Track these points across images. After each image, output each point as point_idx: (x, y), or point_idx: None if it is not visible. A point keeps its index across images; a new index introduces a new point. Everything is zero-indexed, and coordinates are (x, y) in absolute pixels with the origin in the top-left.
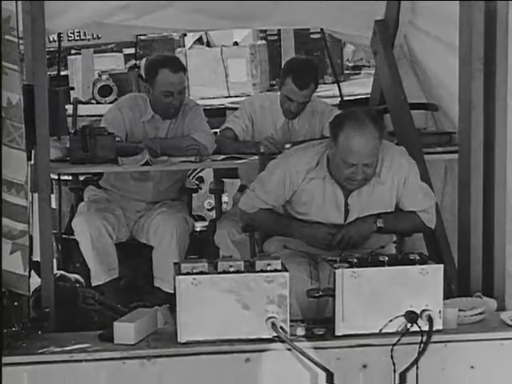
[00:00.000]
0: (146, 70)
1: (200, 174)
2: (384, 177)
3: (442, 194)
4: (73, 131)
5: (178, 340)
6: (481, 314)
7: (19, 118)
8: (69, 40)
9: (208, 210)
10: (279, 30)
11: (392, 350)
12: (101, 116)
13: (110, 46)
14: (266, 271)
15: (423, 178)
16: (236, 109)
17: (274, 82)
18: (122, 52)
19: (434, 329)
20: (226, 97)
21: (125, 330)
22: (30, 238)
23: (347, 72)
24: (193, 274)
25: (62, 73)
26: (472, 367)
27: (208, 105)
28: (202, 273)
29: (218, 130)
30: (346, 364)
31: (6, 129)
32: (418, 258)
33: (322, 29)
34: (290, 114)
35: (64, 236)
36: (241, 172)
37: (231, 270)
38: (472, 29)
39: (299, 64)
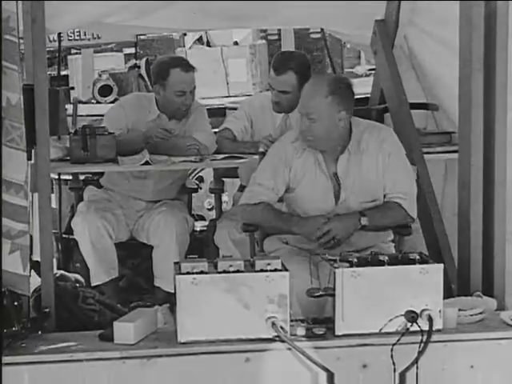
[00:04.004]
0: (155, 72)
1: (200, 174)
2: (370, 148)
3: (442, 194)
4: (73, 131)
5: (178, 340)
6: (481, 313)
7: (18, 118)
8: (69, 40)
9: (208, 209)
10: (279, 30)
11: (392, 349)
12: (101, 116)
13: (110, 46)
14: (266, 271)
15: (423, 178)
16: (236, 108)
17: None
18: (122, 52)
19: (433, 328)
20: (226, 96)
21: (125, 330)
22: (30, 237)
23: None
24: (193, 273)
25: (62, 72)
26: (472, 367)
27: (208, 104)
28: (202, 272)
29: (217, 130)
30: (346, 364)
31: (5, 129)
32: (418, 257)
33: (322, 28)
34: (275, 106)
35: (64, 236)
36: (241, 172)
37: (231, 269)
38: (472, 29)
39: (282, 53)
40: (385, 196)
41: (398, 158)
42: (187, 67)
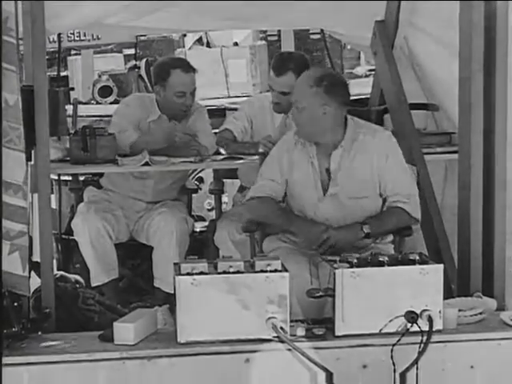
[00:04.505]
0: (156, 72)
1: (200, 175)
2: (364, 148)
3: (442, 194)
4: (73, 131)
5: (178, 340)
6: (481, 313)
7: (16, 119)
8: (69, 41)
9: (208, 210)
10: (279, 31)
11: (392, 350)
12: (101, 116)
13: (109, 47)
14: (266, 271)
15: (423, 179)
16: (236, 109)
17: None
18: (121, 52)
19: (433, 329)
20: (226, 97)
21: (125, 331)
22: (30, 238)
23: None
24: (193, 274)
25: (62, 73)
26: (472, 367)
27: (208, 105)
28: (201, 273)
29: (217, 131)
30: (346, 364)
31: (4, 129)
32: (417, 258)
33: (321, 29)
34: (275, 106)
35: (64, 236)
36: (241, 173)
37: (231, 270)
38: (472, 29)
39: (281, 54)
40: (385, 199)
41: (395, 160)
42: (187, 68)
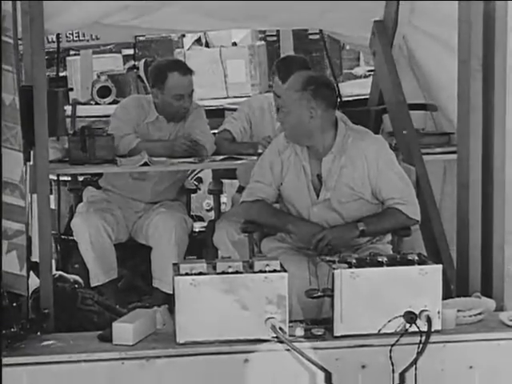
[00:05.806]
0: (153, 75)
1: (199, 175)
2: (354, 154)
3: (440, 195)
4: (72, 132)
5: (177, 341)
6: (479, 314)
7: (12, 119)
8: (67, 41)
9: (207, 210)
10: (278, 31)
11: (391, 350)
12: (100, 117)
13: (108, 47)
14: (265, 272)
15: (422, 179)
16: (235, 109)
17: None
18: (120, 53)
19: (432, 329)
20: (225, 97)
21: (124, 331)
22: (29, 238)
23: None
24: (192, 274)
25: (61, 74)
26: (471, 367)
27: (207, 105)
28: (200, 273)
29: (216, 131)
30: (345, 364)
31: None
32: (416, 258)
33: (320, 30)
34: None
35: (63, 237)
36: (239, 173)
37: (230, 270)
38: (471, 29)
39: (285, 59)
40: (383, 203)
41: (387, 164)
42: (185, 70)
